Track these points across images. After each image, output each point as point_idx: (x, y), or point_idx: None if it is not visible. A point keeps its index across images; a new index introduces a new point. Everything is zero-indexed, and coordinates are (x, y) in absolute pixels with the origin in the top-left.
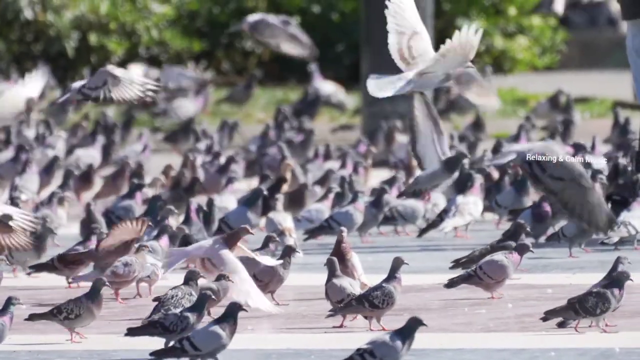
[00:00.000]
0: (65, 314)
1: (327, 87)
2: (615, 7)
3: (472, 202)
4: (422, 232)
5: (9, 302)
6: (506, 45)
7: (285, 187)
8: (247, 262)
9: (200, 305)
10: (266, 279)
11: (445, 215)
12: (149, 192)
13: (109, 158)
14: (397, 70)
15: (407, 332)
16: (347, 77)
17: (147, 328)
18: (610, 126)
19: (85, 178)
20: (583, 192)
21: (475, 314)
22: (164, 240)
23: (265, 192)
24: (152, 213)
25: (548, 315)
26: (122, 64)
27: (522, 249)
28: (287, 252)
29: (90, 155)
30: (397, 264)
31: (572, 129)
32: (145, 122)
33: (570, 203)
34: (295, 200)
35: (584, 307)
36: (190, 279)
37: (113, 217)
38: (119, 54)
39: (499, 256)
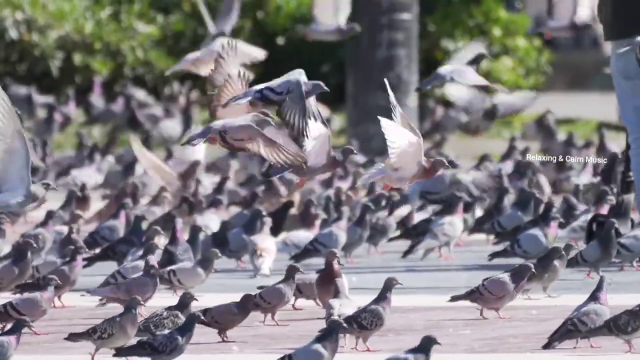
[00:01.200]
0: (99, 333)
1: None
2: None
3: (448, 222)
4: (406, 253)
5: (20, 324)
6: (491, 66)
7: (293, 209)
8: None
9: (189, 326)
10: (274, 301)
11: (423, 237)
12: (156, 210)
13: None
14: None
15: (422, 351)
16: (333, 97)
17: (136, 348)
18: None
19: (81, 198)
20: None
21: (459, 335)
22: (152, 260)
23: (264, 213)
24: (136, 233)
25: (587, 334)
26: (108, 84)
27: (523, 271)
28: (291, 273)
29: (87, 174)
30: (389, 284)
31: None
32: (126, 142)
33: None
34: (305, 220)
35: (617, 325)
36: (184, 302)
37: (98, 238)
38: (104, 73)
39: (502, 274)
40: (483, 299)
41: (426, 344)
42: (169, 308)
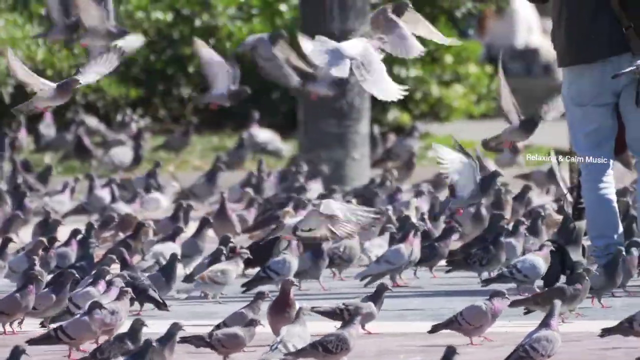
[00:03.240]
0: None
1: (263, 134)
2: (550, 55)
3: (377, 245)
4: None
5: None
6: (442, 93)
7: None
8: None
9: (143, 353)
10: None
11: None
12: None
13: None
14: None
15: None
16: (284, 124)
17: None
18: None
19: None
20: None
21: None
22: (101, 284)
23: (225, 252)
24: (86, 259)
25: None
26: (59, 111)
27: (498, 296)
28: (259, 297)
29: (59, 201)
30: (356, 312)
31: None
32: (75, 169)
33: None
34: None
35: None
36: (134, 328)
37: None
38: None
39: (479, 302)
40: (462, 329)
41: (449, 356)
42: (119, 335)
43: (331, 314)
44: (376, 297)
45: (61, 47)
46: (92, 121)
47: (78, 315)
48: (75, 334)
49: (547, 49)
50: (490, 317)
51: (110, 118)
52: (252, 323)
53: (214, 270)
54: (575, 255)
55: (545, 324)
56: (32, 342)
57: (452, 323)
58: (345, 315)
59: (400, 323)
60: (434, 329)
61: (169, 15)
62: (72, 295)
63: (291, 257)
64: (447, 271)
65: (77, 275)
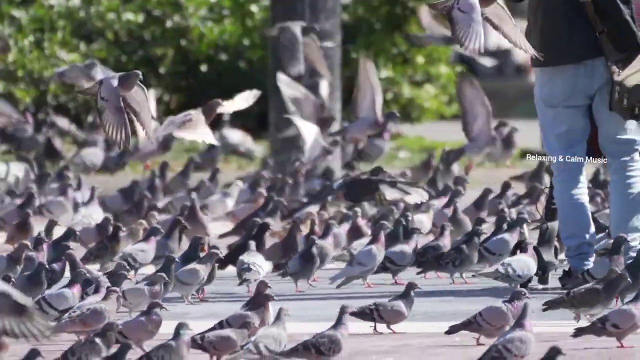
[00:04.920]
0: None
1: (235, 135)
2: (522, 56)
3: (367, 251)
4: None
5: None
6: (413, 94)
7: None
8: None
9: (120, 355)
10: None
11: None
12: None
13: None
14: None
15: None
16: (255, 125)
17: None
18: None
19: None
20: None
21: None
22: (77, 287)
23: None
24: (57, 261)
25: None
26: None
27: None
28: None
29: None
30: (344, 310)
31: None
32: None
33: None
34: (289, 247)
35: None
36: (105, 329)
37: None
38: (27, 101)
39: (498, 303)
40: (482, 330)
41: None
42: (90, 336)
43: (361, 314)
44: (405, 296)
45: (32, 48)
46: (63, 122)
47: (135, 316)
48: (130, 335)
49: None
50: (511, 317)
51: (82, 119)
52: (246, 325)
53: (183, 270)
54: (548, 255)
55: (518, 324)
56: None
57: (471, 324)
58: (375, 316)
59: (371, 323)
60: (452, 330)
61: (140, 17)
62: (47, 295)
63: (262, 260)
64: (419, 272)
65: (167, 279)
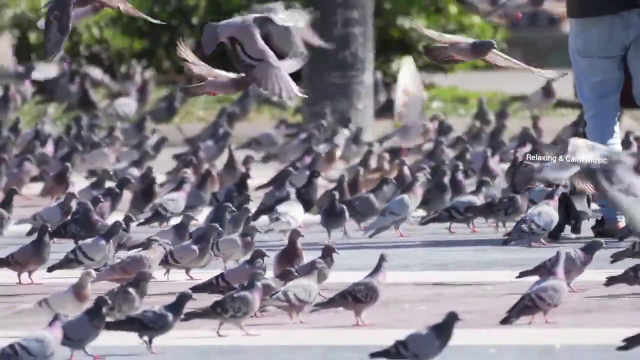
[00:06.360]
0: (232, 312)
1: None
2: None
3: (398, 200)
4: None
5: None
6: None
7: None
8: None
9: (178, 304)
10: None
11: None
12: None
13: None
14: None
15: (443, 328)
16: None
17: (125, 324)
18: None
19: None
20: None
21: (416, 311)
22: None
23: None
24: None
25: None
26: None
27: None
28: (327, 252)
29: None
30: (383, 259)
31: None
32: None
33: None
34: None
35: None
36: (138, 279)
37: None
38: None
39: (567, 250)
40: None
41: (449, 320)
42: (123, 285)
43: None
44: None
45: None
46: (96, 73)
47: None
48: (235, 282)
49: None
50: (580, 265)
51: (115, 70)
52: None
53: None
54: (580, 205)
55: (551, 272)
56: (196, 289)
57: (540, 269)
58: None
59: (404, 273)
60: (522, 275)
61: None
62: (82, 244)
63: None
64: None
65: (219, 228)
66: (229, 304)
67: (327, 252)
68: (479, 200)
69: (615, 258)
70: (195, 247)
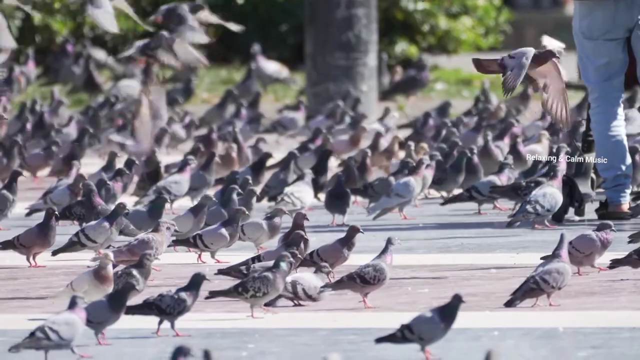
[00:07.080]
0: (252, 292)
1: (271, 66)
2: None
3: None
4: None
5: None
6: (450, 26)
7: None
8: None
9: (194, 286)
10: (331, 260)
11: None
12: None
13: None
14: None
15: (448, 310)
16: (291, 57)
17: (143, 308)
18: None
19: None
20: None
21: (418, 293)
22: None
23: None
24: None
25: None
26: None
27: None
28: (351, 233)
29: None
30: (390, 242)
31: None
32: (83, 102)
33: None
34: (349, 178)
35: None
36: (141, 261)
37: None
38: (64, 33)
39: (588, 231)
40: (573, 259)
41: (454, 303)
42: (126, 267)
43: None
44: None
45: None
46: (100, 55)
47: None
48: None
49: None
50: (600, 246)
51: (118, 51)
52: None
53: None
54: (584, 187)
55: (555, 255)
56: (221, 272)
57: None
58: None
59: (407, 255)
60: (544, 258)
61: None
62: (85, 227)
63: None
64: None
65: (246, 213)
66: (249, 284)
67: (352, 233)
68: (499, 181)
69: (632, 239)
70: (226, 233)
